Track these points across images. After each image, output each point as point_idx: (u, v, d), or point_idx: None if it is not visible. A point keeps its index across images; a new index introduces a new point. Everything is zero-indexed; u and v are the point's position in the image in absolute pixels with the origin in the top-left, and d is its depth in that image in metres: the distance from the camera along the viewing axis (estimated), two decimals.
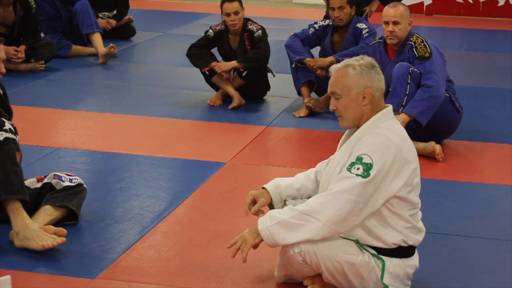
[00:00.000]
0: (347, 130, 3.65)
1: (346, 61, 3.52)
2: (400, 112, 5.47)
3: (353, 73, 3.46)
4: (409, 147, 3.46)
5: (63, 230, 3.96)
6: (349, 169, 3.37)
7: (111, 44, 8.32)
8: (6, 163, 3.93)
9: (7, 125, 4.00)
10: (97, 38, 8.40)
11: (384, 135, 3.41)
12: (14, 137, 4.00)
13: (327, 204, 3.35)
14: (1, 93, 4.28)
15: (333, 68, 3.54)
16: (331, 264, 3.42)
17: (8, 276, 3.35)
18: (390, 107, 3.54)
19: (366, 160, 3.36)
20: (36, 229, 3.93)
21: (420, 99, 5.45)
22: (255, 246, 3.51)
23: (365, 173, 3.34)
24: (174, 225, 4.35)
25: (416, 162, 3.47)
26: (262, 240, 3.46)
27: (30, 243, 3.90)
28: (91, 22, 8.49)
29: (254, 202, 3.75)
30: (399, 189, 3.40)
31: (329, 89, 3.52)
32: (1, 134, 3.96)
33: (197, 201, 4.73)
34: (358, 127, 3.52)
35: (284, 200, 3.75)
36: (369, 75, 3.48)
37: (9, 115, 4.26)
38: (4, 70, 4.13)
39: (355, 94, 3.46)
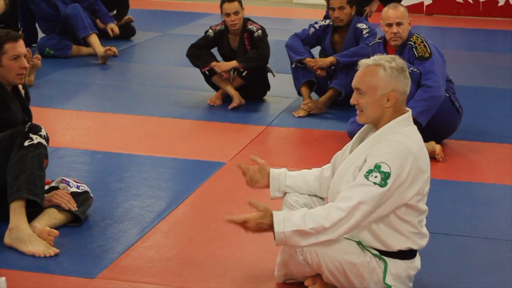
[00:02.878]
0: (361, 130, 3.60)
1: (378, 59, 3.45)
2: None
3: (383, 74, 3.41)
4: (425, 156, 3.44)
5: (55, 232, 3.96)
6: (366, 176, 3.34)
7: (107, 47, 8.32)
8: (35, 165, 4.03)
9: (43, 132, 4.15)
10: (93, 40, 8.39)
11: (403, 143, 3.37)
12: (46, 144, 4.14)
13: (348, 218, 3.32)
14: (23, 92, 4.36)
15: (363, 63, 3.47)
16: (332, 263, 3.42)
17: (3, 278, 3.35)
18: (409, 112, 3.50)
19: (384, 168, 3.32)
20: (30, 233, 3.93)
21: (420, 99, 5.45)
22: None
23: (383, 182, 3.32)
24: (174, 225, 4.35)
25: (429, 171, 3.46)
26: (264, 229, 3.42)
27: (21, 246, 3.91)
28: (84, 25, 8.45)
29: (249, 169, 3.80)
30: (411, 198, 3.39)
31: (355, 83, 3.46)
32: (36, 138, 4.09)
33: (197, 201, 4.73)
34: (376, 127, 3.48)
35: (285, 197, 3.74)
36: (398, 79, 3.42)
37: (28, 117, 4.33)
38: (27, 65, 4.23)
39: (380, 95, 3.41)
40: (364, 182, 3.34)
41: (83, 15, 8.51)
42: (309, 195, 3.73)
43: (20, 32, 7.34)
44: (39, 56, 7.41)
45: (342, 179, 3.47)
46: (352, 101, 3.49)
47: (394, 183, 3.33)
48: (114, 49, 8.39)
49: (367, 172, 3.35)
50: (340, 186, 3.46)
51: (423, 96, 5.45)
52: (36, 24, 8.85)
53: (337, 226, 3.34)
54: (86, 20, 8.49)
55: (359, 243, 3.46)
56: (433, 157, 5.47)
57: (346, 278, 3.45)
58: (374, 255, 3.46)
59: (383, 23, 5.69)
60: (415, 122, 5.42)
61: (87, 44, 8.49)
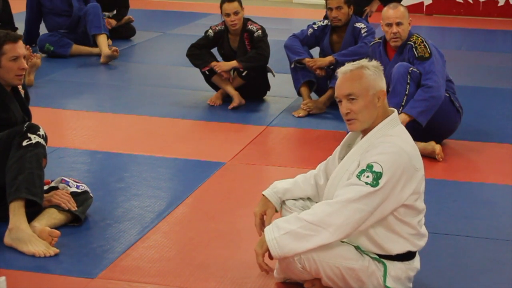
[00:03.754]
0: (348, 135, 3.62)
1: (357, 63, 3.46)
2: (400, 112, 5.47)
3: (369, 73, 3.41)
4: (417, 154, 3.44)
5: (56, 232, 3.96)
6: (358, 176, 3.34)
7: (114, 48, 8.36)
8: (33, 164, 4.03)
9: (41, 131, 4.15)
10: (102, 39, 8.46)
11: (397, 145, 3.37)
12: (44, 144, 4.14)
13: (335, 213, 3.32)
14: (23, 92, 4.37)
15: (344, 70, 3.46)
16: (331, 270, 3.41)
17: (3, 278, 3.35)
18: (395, 113, 3.50)
19: (376, 168, 3.32)
20: (30, 233, 3.93)
21: (420, 99, 5.45)
22: (270, 257, 3.46)
23: (374, 182, 3.31)
24: (174, 225, 4.35)
25: (423, 168, 3.46)
26: (268, 249, 3.42)
27: (21, 246, 3.91)
28: (99, 24, 8.56)
29: (263, 217, 3.72)
30: (408, 197, 3.38)
31: (343, 92, 3.42)
32: (35, 137, 4.09)
33: (197, 201, 4.73)
34: (364, 132, 3.47)
35: (283, 201, 3.74)
36: (381, 77, 3.46)
37: (28, 117, 4.33)
38: (26, 66, 4.23)
39: (372, 95, 3.41)
40: (356, 182, 3.34)
41: (101, 15, 8.67)
42: (308, 198, 3.74)
43: (17, 32, 7.38)
44: (38, 55, 7.41)
45: (336, 187, 3.46)
46: (344, 110, 3.44)
47: (387, 184, 3.31)
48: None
49: (359, 173, 3.35)
50: (336, 192, 3.43)
51: (423, 96, 5.45)
52: (40, 25, 8.86)
53: (324, 221, 3.31)
54: (102, 21, 8.62)
55: (357, 247, 3.45)
56: (433, 157, 5.48)
57: (345, 283, 3.45)
58: (373, 258, 3.45)
59: (383, 23, 5.70)
60: (415, 122, 5.46)
61: (94, 43, 8.52)
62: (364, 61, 3.48)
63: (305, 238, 3.34)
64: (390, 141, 3.38)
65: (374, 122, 3.44)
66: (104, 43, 8.42)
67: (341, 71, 3.48)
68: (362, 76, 3.42)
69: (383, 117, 3.45)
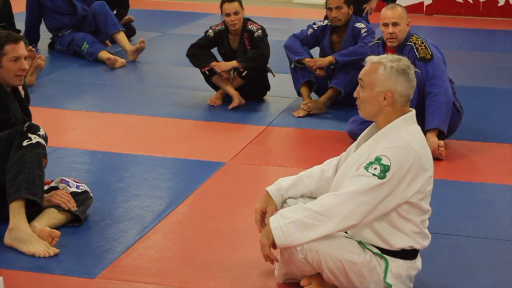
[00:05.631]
0: (367, 129, 3.64)
1: (383, 57, 3.51)
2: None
3: (382, 72, 3.46)
4: (427, 155, 3.46)
5: (56, 232, 3.96)
6: (366, 168, 3.37)
7: (141, 39, 8.40)
8: (34, 164, 4.04)
9: (42, 131, 4.15)
10: (122, 37, 8.51)
11: (406, 140, 3.41)
12: (45, 144, 4.15)
13: (342, 204, 3.35)
14: (23, 93, 4.37)
15: (369, 59, 3.55)
16: (333, 262, 3.42)
17: (1, 278, 3.35)
18: (413, 112, 3.53)
19: (384, 161, 3.35)
20: (30, 233, 3.93)
21: (433, 111, 5.47)
22: (274, 246, 3.47)
23: (382, 174, 3.34)
24: (174, 225, 4.35)
25: (432, 170, 3.47)
26: (273, 239, 3.43)
27: (21, 246, 3.91)
28: (114, 22, 8.59)
29: (263, 214, 3.72)
30: (412, 195, 3.40)
31: (360, 74, 3.54)
32: (35, 137, 4.10)
33: (197, 201, 4.73)
34: (379, 126, 3.51)
35: (285, 200, 3.75)
36: (396, 80, 3.45)
37: (28, 118, 4.33)
38: (26, 67, 4.24)
39: (377, 92, 3.46)
40: (363, 173, 3.37)
41: (111, 12, 8.65)
42: (308, 196, 3.74)
43: (20, 33, 7.38)
44: (43, 56, 7.42)
45: (345, 177, 3.48)
46: (355, 93, 3.55)
47: (394, 177, 3.34)
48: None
49: (367, 164, 3.39)
50: (344, 183, 3.46)
51: (434, 105, 5.47)
52: (40, 25, 8.86)
53: (331, 212, 3.33)
54: (114, 17, 8.65)
55: (360, 242, 3.46)
56: (434, 158, 5.47)
57: (347, 277, 3.46)
58: (375, 253, 3.46)
59: (380, 23, 5.71)
60: (439, 131, 5.46)
61: (113, 42, 8.52)
62: (387, 59, 3.49)
63: (310, 227, 3.36)
64: (400, 137, 3.43)
65: (381, 118, 3.49)
66: (125, 40, 8.48)
67: (367, 59, 3.56)
68: (375, 71, 3.48)
69: (394, 116, 3.48)
